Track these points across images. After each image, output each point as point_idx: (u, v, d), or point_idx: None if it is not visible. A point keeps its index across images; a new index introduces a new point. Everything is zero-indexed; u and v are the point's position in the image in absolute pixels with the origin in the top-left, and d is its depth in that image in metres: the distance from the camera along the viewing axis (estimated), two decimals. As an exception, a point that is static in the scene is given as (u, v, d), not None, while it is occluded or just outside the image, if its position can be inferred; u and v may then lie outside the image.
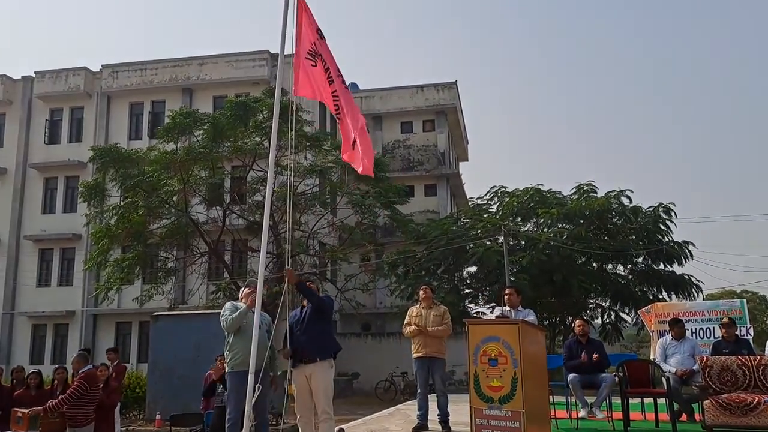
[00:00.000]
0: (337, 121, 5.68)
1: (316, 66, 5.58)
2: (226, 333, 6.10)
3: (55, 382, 7.32)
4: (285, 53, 5.68)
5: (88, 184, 21.65)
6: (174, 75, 29.22)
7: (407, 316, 7.97)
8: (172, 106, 26.04)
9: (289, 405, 6.67)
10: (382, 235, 27.56)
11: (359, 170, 5.62)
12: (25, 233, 29.21)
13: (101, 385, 7.83)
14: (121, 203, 20.84)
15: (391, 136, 33.63)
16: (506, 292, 7.74)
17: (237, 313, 5.98)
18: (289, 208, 11.55)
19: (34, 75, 30.71)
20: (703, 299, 22.59)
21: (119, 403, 9.64)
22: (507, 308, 7.58)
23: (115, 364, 9.67)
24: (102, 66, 30.14)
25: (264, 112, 20.47)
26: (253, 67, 28.26)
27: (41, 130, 30.39)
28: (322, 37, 5.70)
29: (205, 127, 20.87)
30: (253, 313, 5.81)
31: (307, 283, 6.15)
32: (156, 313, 15.04)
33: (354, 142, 5.52)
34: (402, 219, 23.60)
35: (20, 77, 30.98)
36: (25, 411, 6.78)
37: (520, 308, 7.50)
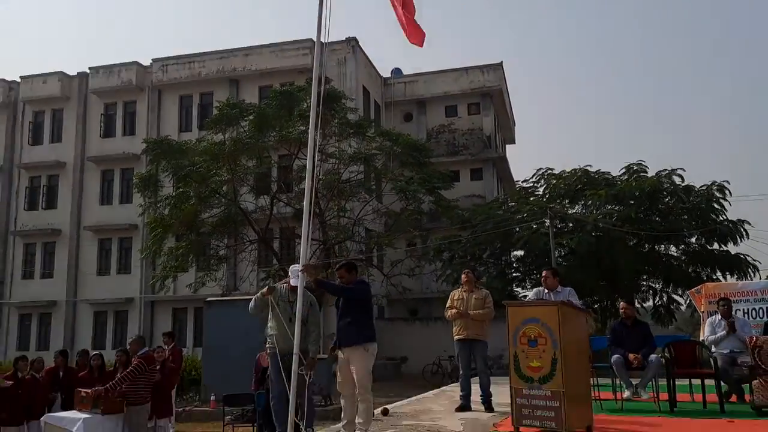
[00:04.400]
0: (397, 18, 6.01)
1: None
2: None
3: (117, 364, 7.71)
4: (323, 40, 5.88)
5: (142, 176, 22.43)
6: (221, 66, 29.78)
7: (449, 300, 8.10)
8: (219, 98, 26.63)
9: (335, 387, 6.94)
10: (428, 220, 27.57)
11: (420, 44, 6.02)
12: (85, 224, 30.46)
13: (158, 366, 8.23)
14: (173, 194, 21.50)
15: (435, 121, 33.37)
16: (543, 274, 7.79)
17: (252, 303, 6.50)
18: (328, 201, 11.69)
19: (88, 71, 31.78)
20: (760, 279, 21.86)
21: (176, 385, 10.08)
22: (544, 290, 7.61)
23: (170, 347, 10.05)
24: (152, 60, 30.95)
25: (308, 101, 20.68)
26: (297, 56, 28.53)
27: (97, 124, 31.54)
28: None
29: (251, 117, 21.27)
30: (283, 299, 6.42)
31: (344, 269, 6.31)
32: (209, 299, 15.50)
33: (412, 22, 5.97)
34: (446, 205, 23.55)
35: (76, 73, 32.11)
36: (89, 391, 7.20)
37: (558, 289, 7.51)
